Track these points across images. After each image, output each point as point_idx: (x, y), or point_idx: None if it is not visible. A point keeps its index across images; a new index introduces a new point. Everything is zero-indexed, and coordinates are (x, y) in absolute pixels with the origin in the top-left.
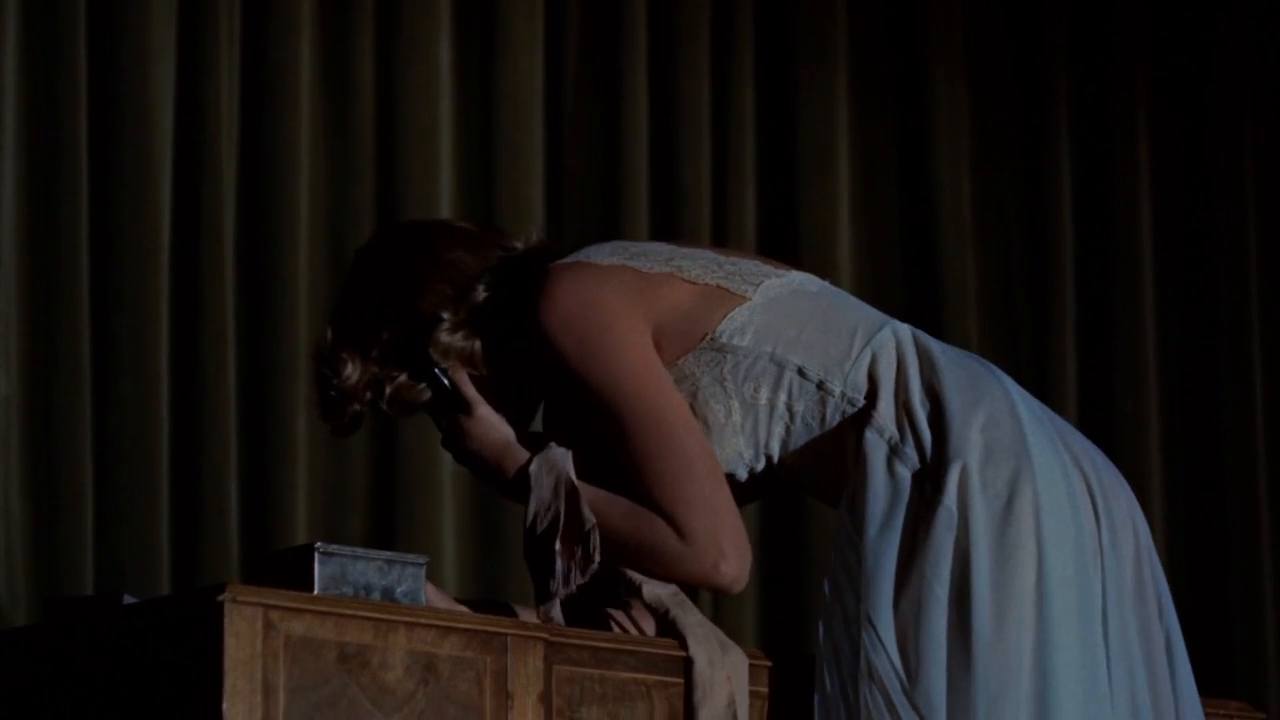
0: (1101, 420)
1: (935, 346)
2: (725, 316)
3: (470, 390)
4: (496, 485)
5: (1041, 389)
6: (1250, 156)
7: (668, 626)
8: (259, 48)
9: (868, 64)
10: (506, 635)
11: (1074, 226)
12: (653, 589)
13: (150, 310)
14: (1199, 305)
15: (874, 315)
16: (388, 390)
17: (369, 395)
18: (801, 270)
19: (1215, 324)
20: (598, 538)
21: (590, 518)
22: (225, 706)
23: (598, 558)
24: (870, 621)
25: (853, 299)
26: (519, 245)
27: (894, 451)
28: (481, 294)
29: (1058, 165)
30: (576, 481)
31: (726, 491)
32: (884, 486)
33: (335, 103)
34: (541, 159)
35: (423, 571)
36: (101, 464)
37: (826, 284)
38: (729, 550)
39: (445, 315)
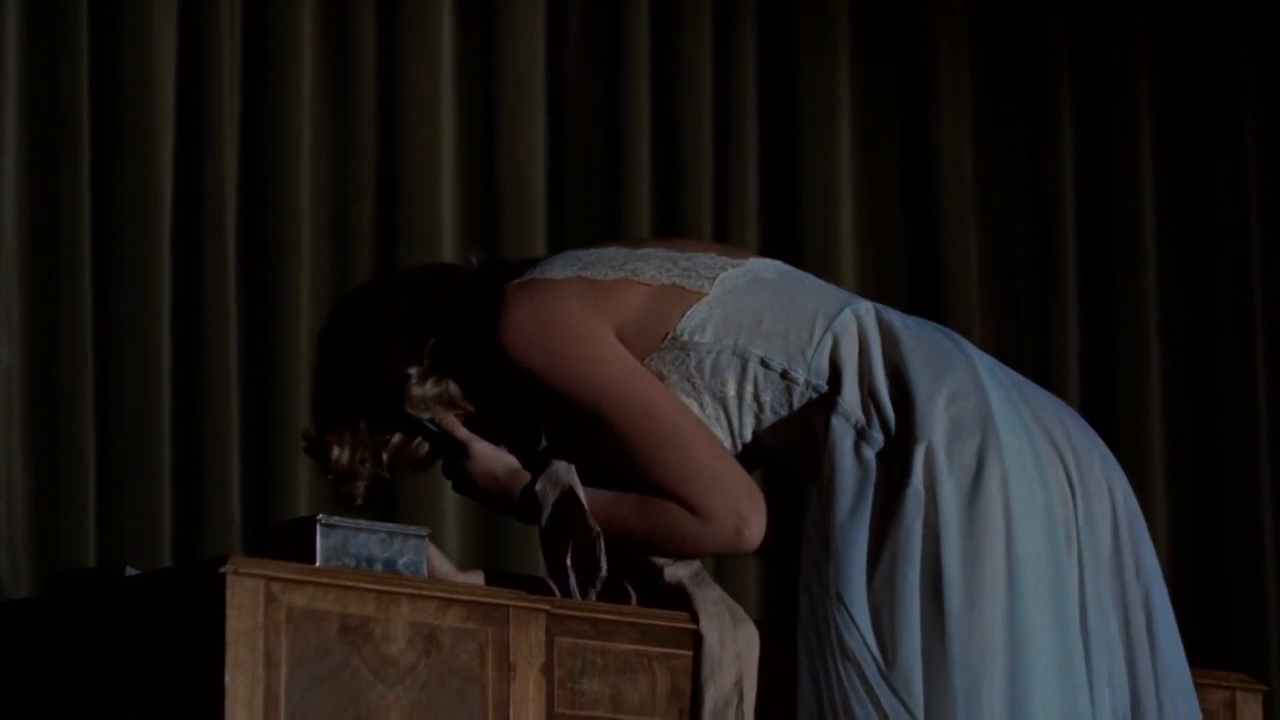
0: (1103, 392)
1: (898, 322)
2: (684, 314)
3: (460, 431)
4: (512, 513)
5: (1043, 362)
6: (1253, 131)
7: (683, 601)
8: (261, 21)
9: (870, 35)
10: (509, 607)
11: (1076, 200)
12: (674, 571)
13: (152, 283)
14: (1202, 278)
15: (834, 297)
16: (385, 456)
17: (368, 467)
18: (762, 256)
19: (1217, 297)
20: (603, 546)
21: (595, 527)
22: (227, 679)
23: (604, 566)
24: (844, 605)
25: (813, 281)
26: (464, 271)
27: (860, 435)
28: (440, 335)
29: (1060, 138)
30: (581, 491)
31: (728, 456)
32: (852, 471)
33: (337, 75)
34: (543, 130)
35: (425, 544)
36: (103, 436)
37: (785, 267)
38: (748, 513)
39: (410, 370)
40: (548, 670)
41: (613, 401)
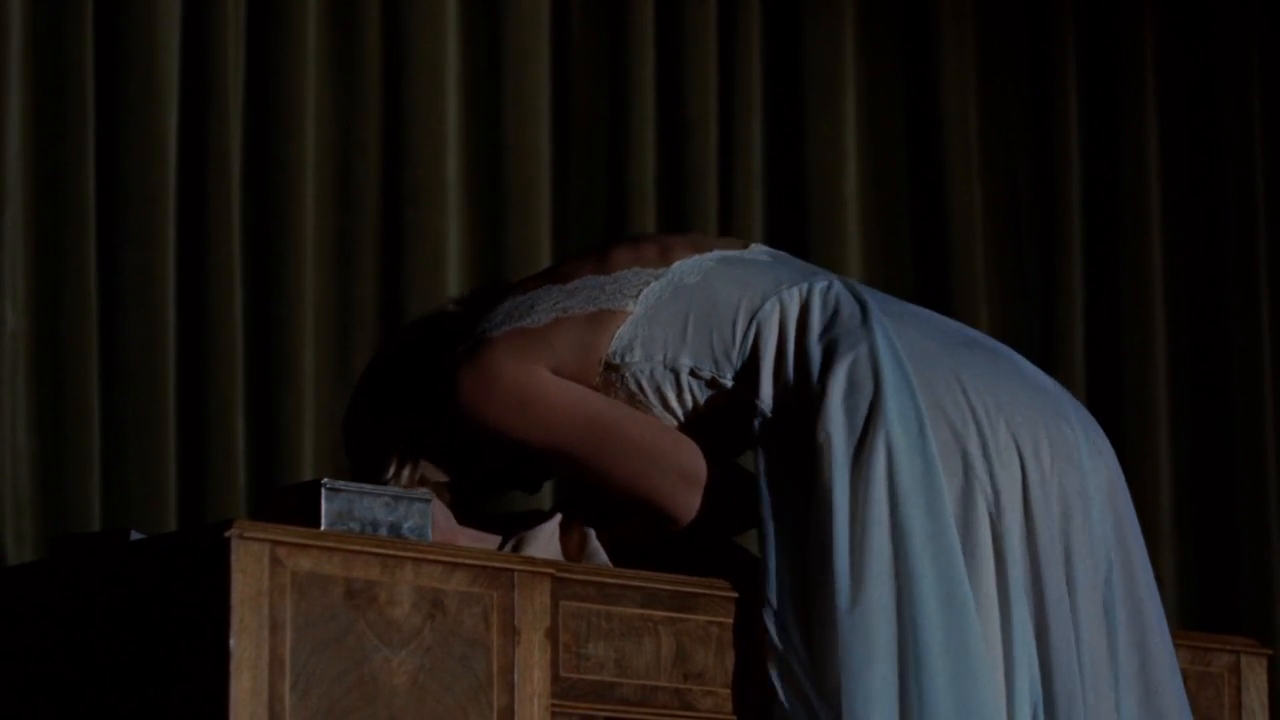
0: (1107, 348)
1: (817, 302)
2: (614, 336)
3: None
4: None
5: (1048, 321)
6: (1258, 82)
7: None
8: None
9: None
10: (513, 571)
11: (1081, 158)
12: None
13: (157, 244)
14: (1206, 232)
15: (760, 287)
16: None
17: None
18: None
19: (1223, 250)
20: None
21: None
22: (232, 642)
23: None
24: (770, 607)
25: (741, 272)
26: (420, 337)
27: (774, 434)
28: (405, 419)
29: (1065, 95)
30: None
31: (686, 444)
32: (769, 473)
33: (341, 34)
34: (548, 92)
35: (429, 508)
36: (108, 399)
37: (714, 262)
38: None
39: (388, 477)
40: (552, 634)
41: (564, 434)
